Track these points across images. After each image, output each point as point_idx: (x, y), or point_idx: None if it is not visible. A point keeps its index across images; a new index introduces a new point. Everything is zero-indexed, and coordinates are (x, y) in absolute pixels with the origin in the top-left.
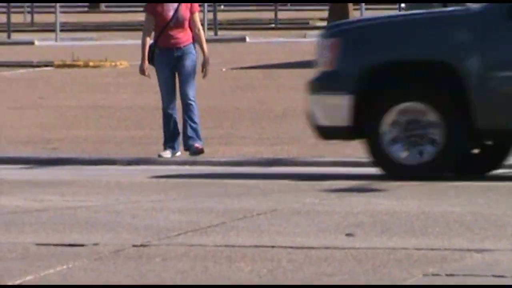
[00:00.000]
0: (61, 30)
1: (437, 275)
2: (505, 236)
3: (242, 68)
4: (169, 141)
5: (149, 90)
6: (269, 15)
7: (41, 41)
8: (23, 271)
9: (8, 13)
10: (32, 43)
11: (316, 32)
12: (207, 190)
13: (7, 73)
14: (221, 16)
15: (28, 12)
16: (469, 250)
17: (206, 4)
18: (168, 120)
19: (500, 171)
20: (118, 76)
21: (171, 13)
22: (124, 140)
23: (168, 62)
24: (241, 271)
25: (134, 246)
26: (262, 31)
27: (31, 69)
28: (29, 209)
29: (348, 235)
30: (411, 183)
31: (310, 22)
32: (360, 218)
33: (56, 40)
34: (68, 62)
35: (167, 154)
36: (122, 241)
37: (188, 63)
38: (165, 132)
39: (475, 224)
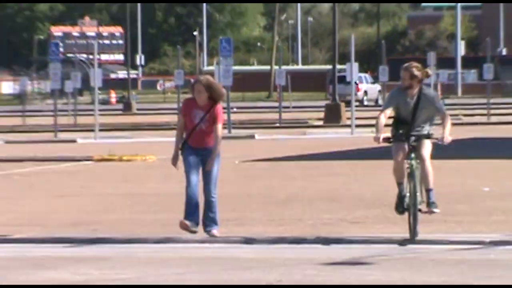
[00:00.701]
0: (100, 130)
1: None
2: None
3: (252, 160)
4: (190, 215)
5: (173, 180)
6: (274, 116)
7: (83, 139)
8: None
9: (55, 116)
10: (75, 141)
11: (315, 130)
12: (223, 264)
13: (54, 166)
14: (234, 116)
15: (72, 115)
16: None
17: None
18: (189, 200)
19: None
20: (147, 168)
21: (196, 121)
22: (153, 222)
23: (195, 153)
24: None
25: None
26: (268, 130)
27: (74, 163)
28: (72, 281)
29: None
30: (396, 256)
31: (309, 121)
32: None
33: (95, 138)
34: (106, 157)
35: (193, 227)
36: None
37: (215, 165)
38: (187, 207)
39: None
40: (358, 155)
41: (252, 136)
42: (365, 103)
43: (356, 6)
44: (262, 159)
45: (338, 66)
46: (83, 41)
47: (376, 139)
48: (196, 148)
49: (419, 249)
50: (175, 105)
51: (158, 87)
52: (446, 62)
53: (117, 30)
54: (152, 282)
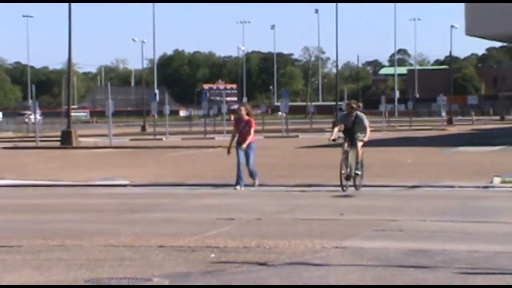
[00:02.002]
0: (226, 132)
1: (377, 231)
2: (407, 213)
3: (297, 147)
4: (239, 181)
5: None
6: (308, 126)
7: (218, 137)
8: (213, 228)
9: (205, 126)
10: (214, 138)
11: (327, 133)
12: (282, 196)
13: (204, 150)
14: (289, 126)
15: (213, 125)
16: (389, 220)
17: (283, 121)
18: (238, 172)
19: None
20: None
21: (239, 129)
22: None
23: (241, 148)
24: (298, 228)
25: (255, 219)
26: (305, 133)
27: (213, 148)
28: (213, 204)
29: (341, 214)
30: (367, 192)
31: (325, 129)
32: (346, 207)
33: (224, 136)
34: (222, 145)
35: (238, 187)
36: (250, 217)
37: (251, 152)
38: (237, 177)
39: (392, 210)
40: None
41: (297, 136)
42: None
43: (347, 73)
44: (302, 147)
45: (339, 103)
46: (218, 91)
47: (330, 139)
48: (241, 142)
49: (375, 190)
50: (261, 120)
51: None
52: (390, 101)
53: (234, 85)
54: (250, 205)
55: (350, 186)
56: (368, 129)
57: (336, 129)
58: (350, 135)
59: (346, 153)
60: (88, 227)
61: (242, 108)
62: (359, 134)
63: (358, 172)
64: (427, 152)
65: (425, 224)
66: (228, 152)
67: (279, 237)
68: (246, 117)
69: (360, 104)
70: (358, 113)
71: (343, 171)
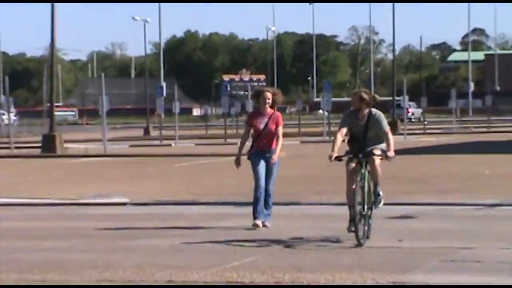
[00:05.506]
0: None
1: (445, 261)
2: (484, 239)
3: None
4: (257, 213)
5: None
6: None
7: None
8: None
9: (225, 128)
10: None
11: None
12: (322, 217)
13: (223, 159)
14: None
15: (235, 127)
16: (459, 248)
17: (325, 122)
18: (257, 199)
19: None
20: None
21: (262, 126)
22: (282, 194)
23: (261, 158)
24: (343, 257)
25: (285, 247)
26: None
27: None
28: (236, 227)
29: (399, 240)
30: (431, 211)
31: None
32: (404, 231)
33: (249, 142)
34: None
35: (259, 223)
36: (279, 247)
37: (275, 167)
38: (254, 205)
39: (464, 234)
40: (405, 151)
41: (343, 140)
42: (412, 120)
43: (407, 60)
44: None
45: (396, 98)
46: (241, 83)
47: (329, 157)
48: (261, 151)
49: (441, 209)
50: (296, 121)
51: (286, 111)
52: (463, 95)
53: (262, 76)
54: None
55: (353, 231)
56: (391, 136)
57: (339, 137)
58: (361, 147)
59: (361, 180)
60: (77, 256)
61: (268, 94)
62: (376, 146)
63: (374, 207)
64: (511, 161)
65: (509, 253)
66: (237, 163)
67: (319, 269)
68: (269, 109)
69: (377, 97)
70: (373, 110)
71: (359, 206)
